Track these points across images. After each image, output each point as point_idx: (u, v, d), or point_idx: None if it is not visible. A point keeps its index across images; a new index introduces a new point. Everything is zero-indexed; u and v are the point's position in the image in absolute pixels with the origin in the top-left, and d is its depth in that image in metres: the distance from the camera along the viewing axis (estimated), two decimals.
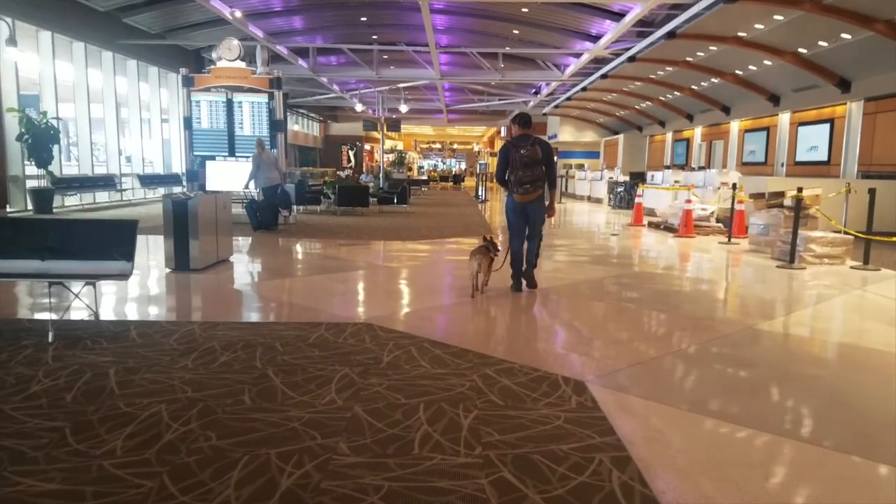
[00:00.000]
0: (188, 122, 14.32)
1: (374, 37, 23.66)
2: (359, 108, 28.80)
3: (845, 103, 15.81)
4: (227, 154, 14.32)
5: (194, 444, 3.03)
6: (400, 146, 58.82)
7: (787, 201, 10.49)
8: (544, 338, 5.24)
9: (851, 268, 9.18)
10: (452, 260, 9.97)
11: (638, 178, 25.36)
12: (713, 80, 19.75)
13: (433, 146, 74.49)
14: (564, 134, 37.38)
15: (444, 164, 70.94)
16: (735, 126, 22.18)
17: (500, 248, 6.95)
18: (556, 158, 39.23)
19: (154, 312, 6.06)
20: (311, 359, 4.37)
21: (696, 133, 25.61)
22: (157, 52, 21.46)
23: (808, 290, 7.72)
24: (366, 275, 8.26)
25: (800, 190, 9.14)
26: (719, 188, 15.97)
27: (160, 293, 7.08)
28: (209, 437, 3.11)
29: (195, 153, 14.40)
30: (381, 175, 24.63)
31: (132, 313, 5.99)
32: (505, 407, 3.53)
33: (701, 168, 19.98)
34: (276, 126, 14.18)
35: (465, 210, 20.88)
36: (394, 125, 26.82)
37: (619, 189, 23.19)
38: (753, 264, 9.58)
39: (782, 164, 18.82)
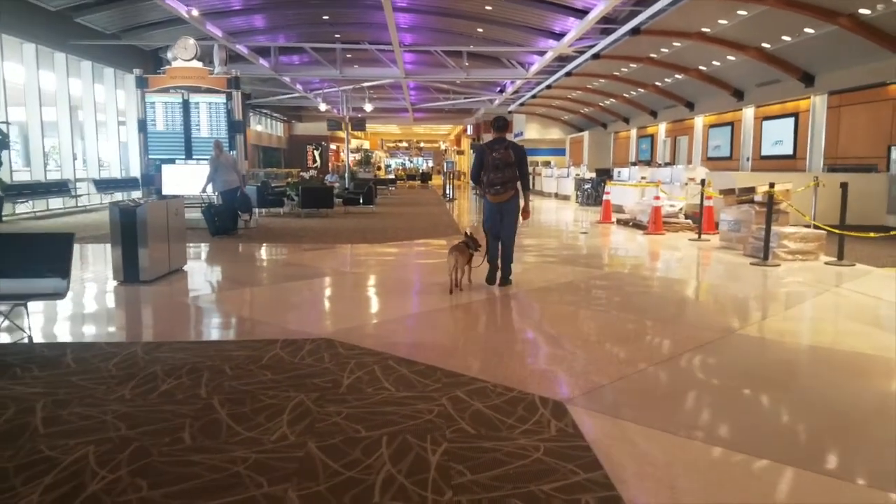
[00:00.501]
0: (143, 125, 13.71)
1: (337, 35, 23.18)
2: (322, 107, 28.24)
3: (809, 97, 15.83)
4: (184, 157, 13.75)
5: (121, 497, 2.63)
6: (366, 145, 58.26)
7: (758, 197, 10.35)
8: (518, 350, 4.92)
9: (826, 263, 9.05)
10: (421, 264, 9.62)
11: (604, 174, 25.33)
12: (677, 76, 19.71)
13: (400, 145, 74.04)
14: (530, 131, 37.27)
15: (411, 162, 70.53)
16: (699, 121, 22.21)
17: (479, 244, 7.17)
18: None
19: (94, 333, 5.58)
20: (263, 384, 3.97)
21: (661, 129, 25.63)
22: (113, 52, 20.70)
23: (785, 288, 7.54)
24: (328, 282, 7.85)
25: (772, 185, 8.98)
26: (687, 184, 15.89)
27: (104, 310, 6.60)
28: (139, 486, 2.71)
29: (151, 157, 13.80)
30: (346, 175, 24.10)
31: (70, 334, 5.50)
32: (477, 437, 3.19)
33: (667, 164, 19.96)
34: (235, 127, 13.66)
35: (432, 209, 20.53)
36: (358, 124, 26.35)
37: (587, 186, 23.05)
38: (726, 262, 9.40)
39: (748, 159, 18.85)
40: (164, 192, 13.82)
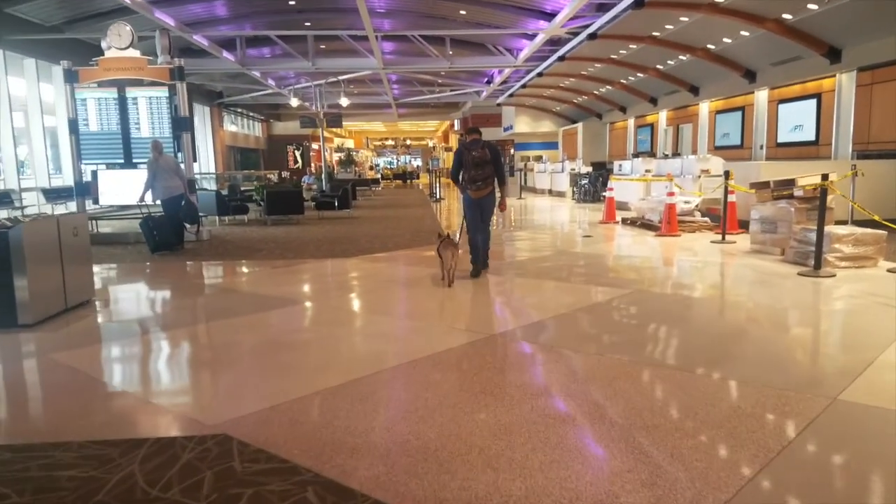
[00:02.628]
0: (74, 126, 11.85)
1: (307, 24, 21.29)
2: (294, 102, 26.31)
3: (834, 75, 14.10)
4: (122, 161, 11.90)
5: None
6: (351, 144, 56.33)
7: (799, 191, 8.62)
8: (526, 466, 3.14)
9: (889, 271, 7.33)
10: (394, 287, 7.81)
11: (601, 168, 23.61)
12: (682, 57, 17.94)
13: (386, 143, 72.21)
14: (520, 125, 35.44)
15: (398, 161, 68.68)
16: (705, 107, 20.47)
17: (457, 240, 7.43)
18: (513, 152, 37.71)
19: None
20: None
21: (661, 117, 23.89)
22: (58, 47, 18.71)
23: (874, 315, 5.76)
24: (265, 322, 6.02)
25: (825, 177, 7.23)
26: (700, 177, 14.19)
27: None
28: None
29: (84, 162, 11.95)
30: (323, 176, 22.23)
31: None
32: None
33: (675, 155, 18.22)
34: (181, 125, 11.81)
35: (416, 212, 18.71)
36: (335, 121, 24.44)
37: (584, 181, 21.35)
38: (771, 273, 7.64)
39: (762, 147, 17.13)
40: (102, 201, 12.01)
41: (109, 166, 11.96)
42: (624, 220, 13.63)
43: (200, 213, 12.61)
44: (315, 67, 22.77)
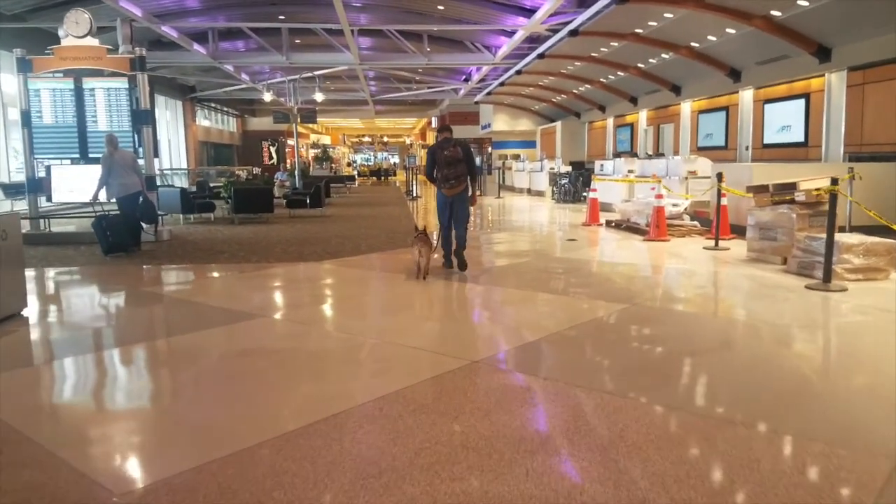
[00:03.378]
0: (27, 118, 11.01)
1: (282, 17, 20.52)
2: (267, 97, 25.50)
3: (823, 74, 13.73)
4: (78, 156, 11.11)
5: None
6: (327, 140, 55.43)
7: (801, 195, 8.16)
8: None
9: None
10: (356, 304, 7.19)
11: (581, 168, 23.16)
12: (664, 55, 17.51)
13: (363, 140, 71.41)
14: (498, 123, 34.87)
15: (375, 158, 67.93)
16: (686, 107, 20.08)
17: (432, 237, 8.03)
18: (490, 150, 37.20)
19: None
20: None
21: (641, 117, 23.48)
22: (20, 37, 17.73)
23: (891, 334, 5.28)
24: (205, 346, 5.32)
25: (834, 181, 6.75)
26: (686, 178, 13.75)
27: None
28: None
29: (36, 157, 11.14)
30: (296, 172, 21.46)
31: None
32: None
33: (659, 155, 17.79)
34: (141, 118, 11.05)
35: (392, 211, 18.08)
36: (309, 116, 23.64)
37: (563, 181, 20.87)
38: (773, 285, 7.14)
39: (747, 148, 16.75)
40: (55, 198, 11.22)
41: (64, 161, 11.18)
42: (608, 223, 13.13)
43: (162, 212, 11.88)
44: (289, 62, 22.01)
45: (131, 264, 8.84)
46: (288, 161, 41.32)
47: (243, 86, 28.06)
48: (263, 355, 4.74)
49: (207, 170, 29.98)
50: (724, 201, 10.40)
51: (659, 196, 10.98)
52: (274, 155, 40.88)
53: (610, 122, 26.35)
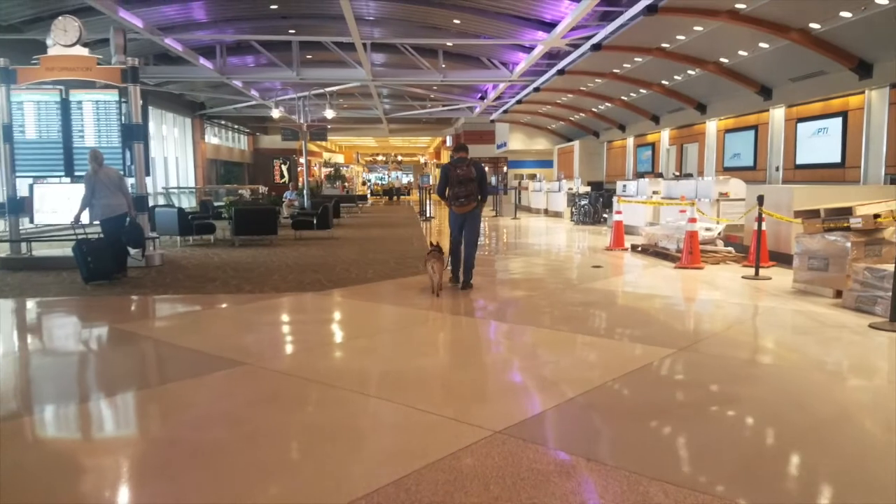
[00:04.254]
0: (8, 132, 10.28)
1: (292, 31, 19.89)
2: (276, 114, 24.85)
3: (863, 91, 12.78)
4: (63, 173, 10.36)
5: None
6: (340, 159, 54.88)
7: (857, 221, 7.21)
8: None
9: None
10: (354, 350, 6.29)
11: (598, 188, 22.19)
12: (690, 71, 16.63)
13: (377, 158, 70.93)
14: (514, 142, 34.07)
15: (389, 177, 67.35)
16: (712, 126, 19.16)
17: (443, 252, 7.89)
18: (506, 170, 36.44)
19: None
20: None
21: (664, 136, 22.57)
22: (13, 48, 17.11)
23: None
24: (168, 406, 4.45)
25: None
26: (717, 200, 12.81)
27: None
28: None
29: (18, 174, 10.39)
30: (304, 192, 20.68)
31: None
32: None
33: (687, 175, 16.86)
34: (132, 133, 10.28)
35: (403, 233, 17.22)
36: (319, 134, 22.91)
37: (583, 202, 19.97)
38: (832, 323, 6.19)
39: (777, 168, 15.78)
40: (37, 220, 10.44)
41: (48, 179, 10.43)
42: (634, 248, 12.20)
43: (155, 234, 11.09)
44: (300, 77, 21.34)
45: (111, 294, 7.98)
46: (300, 180, 40.75)
47: (253, 103, 27.47)
48: (232, 423, 3.83)
49: (216, 188, 29.36)
50: (761, 226, 9.45)
51: (692, 220, 10.05)
52: (286, 173, 40.27)
53: (630, 141, 25.48)
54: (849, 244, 7.23)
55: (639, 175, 20.95)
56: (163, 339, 5.94)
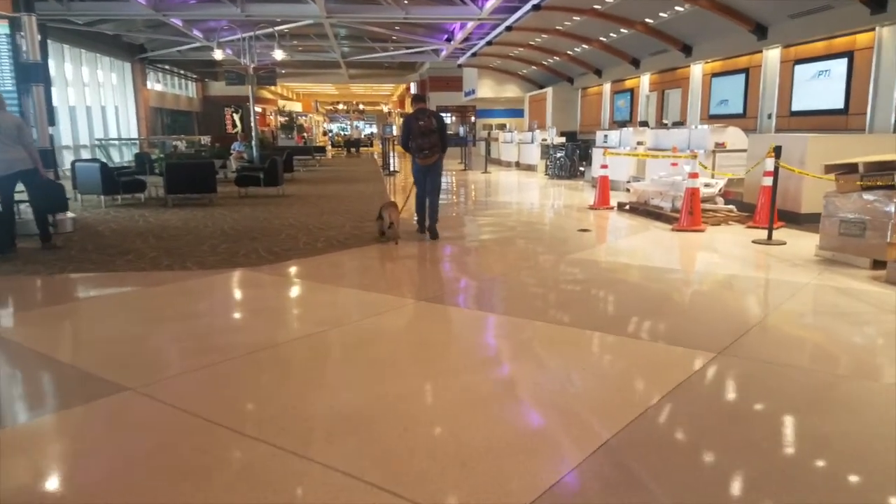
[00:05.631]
0: None
1: None
2: (218, 55, 22.67)
3: (873, 28, 11.49)
4: None
5: None
6: (298, 107, 52.30)
7: None
8: None
9: None
10: (295, 361, 4.82)
11: (573, 139, 20.78)
12: (678, 7, 15.13)
13: (338, 107, 68.29)
14: (483, 89, 32.19)
15: (352, 126, 64.85)
16: (698, 69, 17.76)
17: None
18: (474, 119, 34.78)
19: None
20: None
21: (643, 81, 21.11)
22: None
23: None
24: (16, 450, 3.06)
25: None
26: (714, 151, 11.53)
27: None
28: None
29: None
30: (253, 143, 18.84)
31: None
32: None
33: (679, 124, 15.48)
34: (30, 73, 8.48)
35: (365, 189, 15.64)
36: (267, 78, 20.85)
37: (559, 154, 18.58)
38: (882, 305, 4.97)
39: (770, 116, 14.52)
40: None
41: None
42: (621, 206, 10.89)
43: (70, 196, 9.37)
44: (245, 15, 19.27)
45: None
46: (257, 129, 38.40)
47: (197, 44, 25.14)
48: (99, 482, 2.41)
49: (163, 139, 27.14)
50: (767, 181, 8.19)
51: (693, 175, 8.73)
52: (238, 123, 37.88)
53: (607, 87, 23.96)
54: (893, 206, 6.01)
55: (618, 125, 19.52)
56: (26, 344, 4.39)
